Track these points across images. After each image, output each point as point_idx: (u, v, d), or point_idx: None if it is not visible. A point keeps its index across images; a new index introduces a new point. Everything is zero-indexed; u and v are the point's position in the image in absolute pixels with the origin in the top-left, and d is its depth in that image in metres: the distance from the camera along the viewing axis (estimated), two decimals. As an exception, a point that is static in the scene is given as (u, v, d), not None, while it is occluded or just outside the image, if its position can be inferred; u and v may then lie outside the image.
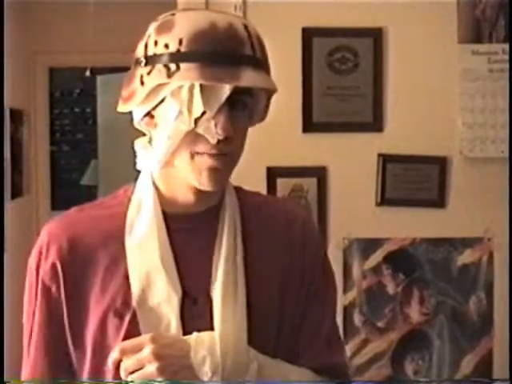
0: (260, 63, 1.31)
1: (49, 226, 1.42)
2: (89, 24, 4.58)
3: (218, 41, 1.28)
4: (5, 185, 4.33)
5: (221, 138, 1.29)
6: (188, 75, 1.27)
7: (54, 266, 1.38)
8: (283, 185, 2.73)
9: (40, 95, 5.59)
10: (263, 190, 2.64)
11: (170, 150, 1.33)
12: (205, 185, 1.33)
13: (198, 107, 1.28)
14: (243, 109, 1.33)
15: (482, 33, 2.75)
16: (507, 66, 2.73)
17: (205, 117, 1.29)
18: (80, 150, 6.96)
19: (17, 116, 4.86)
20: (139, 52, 1.34)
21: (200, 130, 1.30)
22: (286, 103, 2.73)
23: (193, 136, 1.31)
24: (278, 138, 2.74)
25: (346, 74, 2.76)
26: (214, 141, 1.29)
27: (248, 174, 2.58)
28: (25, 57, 5.24)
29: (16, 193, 4.81)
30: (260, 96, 1.37)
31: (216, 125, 1.29)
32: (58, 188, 6.21)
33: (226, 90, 1.28)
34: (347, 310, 2.75)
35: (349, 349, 2.71)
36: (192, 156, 1.32)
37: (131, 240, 1.38)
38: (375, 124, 2.76)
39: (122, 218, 1.40)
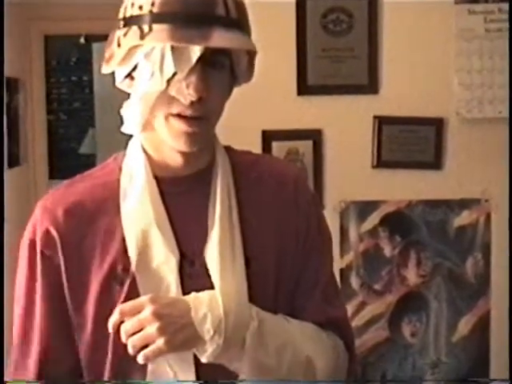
0: (234, 23, 1.30)
1: (41, 201, 1.43)
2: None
3: (189, 2, 1.27)
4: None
5: (193, 98, 1.29)
6: (159, 36, 1.27)
7: (50, 234, 1.38)
8: (279, 148, 2.72)
9: (36, 63, 5.55)
10: (258, 154, 2.62)
11: (144, 111, 1.33)
12: (182, 147, 1.34)
13: (169, 68, 1.28)
14: (220, 69, 1.33)
15: (479, -8, 2.72)
16: (504, 25, 2.70)
17: (176, 78, 1.29)
18: (77, 118, 6.92)
19: (12, 84, 4.83)
20: (120, 14, 1.35)
21: (172, 92, 1.30)
22: (280, 66, 2.72)
23: (167, 98, 1.31)
24: (272, 101, 2.73)
25: (341, 36, 2.73)
26: (186, 101, 1.29)
27: (243, 138, 2.56)
28: (19, 24, 5.19)
29: (13, 162, 4.79)
30: (239, 56, 1.36)
31: (188, 86, 1.29)
32: (56, 157, 6.19)
33: (197, 51, 1.27)
34: (344, 273, 2.75)
35: (346, 311, 2.71)
36: (167, 118, 1.32)
37: (126, 207, 1.38)
38: (371, 86, 2.74)
39: (115, 186, 1.40)
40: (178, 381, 1.34)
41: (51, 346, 1.40)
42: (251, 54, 1.38)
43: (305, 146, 2.73)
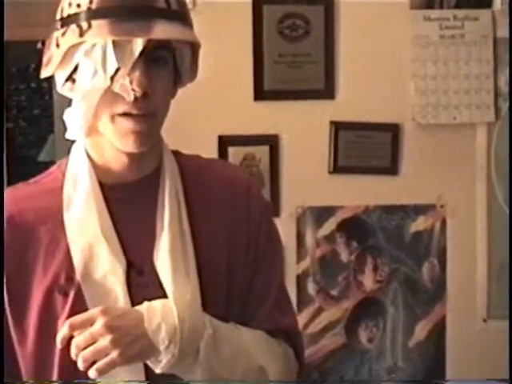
0: (176, 15, 1.28)
1: None
2: (40, -5, 4.49)
3: None
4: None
5: (137, 94, 1.26)
6: (99, 32, 1.24)
7: None
8: (235, 153, 2.71)
9: (-6, 70, 5.49)
10: (215, 159, 2.61)
11: (88, 112, 1.30)
12: (130, 148, 1.31)
13: (112, 64, 1.26)
14: (164, 65, 1.31)
15: (434, -2, 2.74)
16: (458, 31, 2.73)
17: (120, 74, 1.26)
18: (37, 125, 6.85)
19: (-31, 91, 4.77)
20: (57, 15, 1.32)
21: (116, 88, 1.27)
22: (236, 71, 2.71)
23: (112, 96, 1.28)
24: (229, 106, 2.71)
25: (297, 42, 2.73)
26: (130, 98, 1.27)
27: (199, 143, 2.56)
28: (-24, 30, 5.14)
29: (-30, 169, 4.72)
30: (182, 51, 1.34)
31: (131, 81, 1.26)
32: (15, 164, 6.12)
33: (139, 44, 1.25)
34: (301, 279, 2.74)
35: (303, 318, 2.70)
36: (113, 118, 1.29)
37: (70, 214, 1.35)
38: (327, 91, 2.74)
39: (58, 193, 1.37)
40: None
41: None
42: (194, 50, 1.37)
43: (261, 152, 2.72)
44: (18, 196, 1.40)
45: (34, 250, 1.34)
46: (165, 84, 1.32)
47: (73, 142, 1.41)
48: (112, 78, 1.27)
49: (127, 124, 1.29)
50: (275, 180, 2.73)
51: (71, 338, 1.25)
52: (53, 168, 1.44)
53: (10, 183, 5.79)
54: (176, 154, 1.45)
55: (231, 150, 2.71)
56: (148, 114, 1.29)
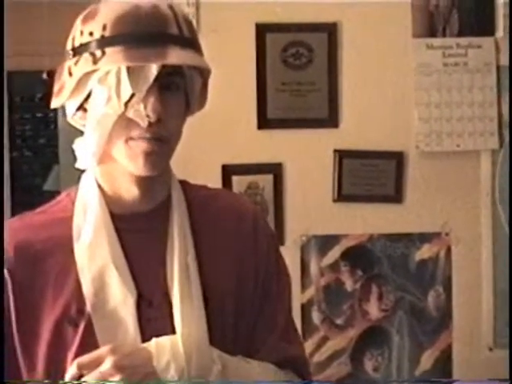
0: (188, 42, 1.29)
1: None
2: (44, 25, 4.52)
3: (142, 22, 1.26)
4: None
5: (151, 120, 1.26)
6: (113, 59, 1.25)
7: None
8: (239, 182, 2.70)
9: (-1, 100, 5.52)
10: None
11: (102, 137, 1.29)
12: (141, 169, 1.30)
13: (127, 90, 1.25)
14: (176, 91, 1.31)
15: (436, 27, 2.75)
16: (462, 59, 2.74)
17: (134, 100, 1.26)
18: (42, 155, 6.87)
19: (-26, 121, 4.79)
20: (68, 46, 1.32)
21: (130, 114, 1.27)
22: (240, 100, 2.72)
23: (125, 122, 1.28)
24: (232, 134, 2.72)
25: (301, 70, 2.74)
26: (144, 123, 1.27)
27: (203, 172, 2.57)
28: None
29: (-26, 198, 4.73)
30: (193, 77, 1.34)
31: (146, 107, 1.26)
32: (19, 194, 6.14)
33: (154, 69, 1.25)
34: (305, 308, 2.73)
35: (308, 347, 2.68)
36: (126, 141, 1.29)
37: (80, 245, 1.34)
38: (331, 119, 2.74)
39: (68, 223, 1.36)
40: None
41: None
42: (205, 77, 1.37)
43: (265, 180, 2.72)
44: (25, 225, 1.39)
45: (43, 280, 1.33)
46: (178, 110, 1.32)
47: (79, 171, 1.40)
48: (126, 104, 1.26)
49: (140, 145, 1.28)
50: (279, 208, 2.73)
51: (80, 376, 1.25)
52: (61, 196, 1.43)
53: (13, 212, 5.79)
54: (183, 184, 1.44)
55: (235, 178, 2.70)
56: (161, 139, 1.29)
